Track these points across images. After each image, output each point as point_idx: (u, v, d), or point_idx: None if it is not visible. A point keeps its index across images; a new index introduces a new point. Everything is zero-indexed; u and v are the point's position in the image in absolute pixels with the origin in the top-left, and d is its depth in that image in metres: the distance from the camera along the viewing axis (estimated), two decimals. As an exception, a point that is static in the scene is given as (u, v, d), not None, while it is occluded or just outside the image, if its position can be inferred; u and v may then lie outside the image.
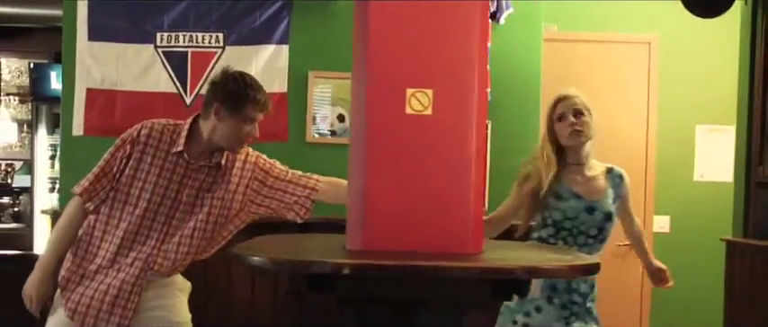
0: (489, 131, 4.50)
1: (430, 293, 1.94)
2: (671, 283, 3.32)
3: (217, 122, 2.77)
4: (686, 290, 5.08)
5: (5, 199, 7.49)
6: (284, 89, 4.58)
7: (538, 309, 2.97)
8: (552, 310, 2.97)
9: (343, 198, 2.92)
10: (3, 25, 6.33)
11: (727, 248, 4.66)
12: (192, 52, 4.61)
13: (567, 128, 3.02)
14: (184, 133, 2.81)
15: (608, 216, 3.03)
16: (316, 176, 2.96)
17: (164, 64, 4.60)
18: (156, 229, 2.81)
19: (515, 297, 2.92)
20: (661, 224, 5.18)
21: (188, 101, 4.60)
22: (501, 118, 4.53)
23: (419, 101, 2.04)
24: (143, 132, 2.83)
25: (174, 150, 2.80)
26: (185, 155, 2.81)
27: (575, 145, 3.04)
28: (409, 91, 2.04)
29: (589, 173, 3.06)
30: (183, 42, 4.61)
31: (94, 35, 4.60)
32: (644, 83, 5.23)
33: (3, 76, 6.87)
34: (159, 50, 4.61)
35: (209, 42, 4.61)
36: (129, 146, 2.82)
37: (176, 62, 4.60)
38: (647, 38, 5.26)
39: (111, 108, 4.57)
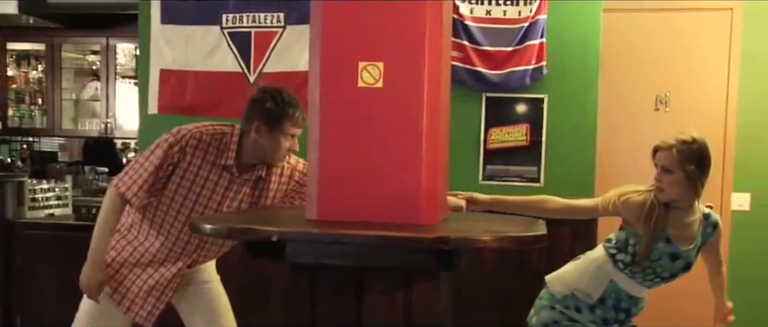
0: (545, 104, 4.44)
1: (369, 260, 2.00)
2: (732, 318, 3.22)
3: (258, 138, 2.84)
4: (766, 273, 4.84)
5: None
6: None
7: (578, 309, 3.00)
8: (590, 316, 2.99)
9: None
10: (115, 13, 6.75)
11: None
12: (255, 32, 4.78)
13: (654, 180, 2.91)
14: (234, 147, 2.88)
15: (687, 267, 2.97)
16: None
17: (229, 44, 4.81)
18: (197, 236, 2.90)
19: (559, 289, 2.95)
20: (740, 201, 4.91)
21: (251, 79, 4.78)
22: (557, 91, 4.45)
23: (370, 74, 2.08)
24: (192, 142, 2.87)
25: (222, 162, 2.88)
26: (234, 169, 2.89)
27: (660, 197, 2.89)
28: (361, 64, 2.09)
29: (688, 220, 2.92)
30: (247, 23, 4.79)
31: (167, 18, 4.87)
32: (723, 53, 4.95)
33: (118, 60, 7.30)
34: (225, 31, 4.81)
35: (271, 22, 4.77)
36: (177, 155, 2.86)
37: (241, 42, 4.79)
38: (730, 4, 4.98)
39: (182, 87, 4.84)
